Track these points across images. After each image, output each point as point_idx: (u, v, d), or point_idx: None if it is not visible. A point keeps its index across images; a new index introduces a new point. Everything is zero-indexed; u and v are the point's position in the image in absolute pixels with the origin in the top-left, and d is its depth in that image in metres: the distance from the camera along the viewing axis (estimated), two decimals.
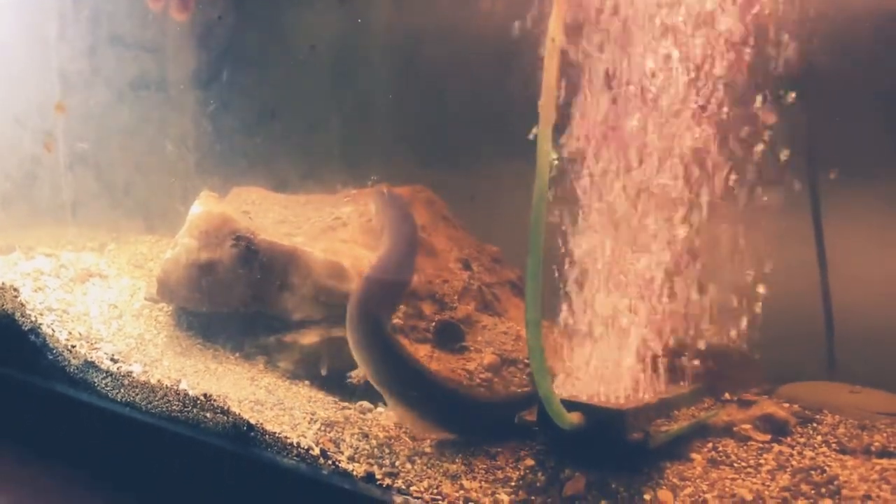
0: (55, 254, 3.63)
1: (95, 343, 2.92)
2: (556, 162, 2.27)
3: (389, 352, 2.43)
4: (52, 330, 2.94)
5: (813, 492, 2.01)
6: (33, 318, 2.99)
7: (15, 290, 3.18)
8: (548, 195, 2.13)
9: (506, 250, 3.40)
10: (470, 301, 2.89)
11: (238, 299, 2.90)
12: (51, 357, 2.75)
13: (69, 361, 2.72)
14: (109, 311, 3.20)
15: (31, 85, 3.27)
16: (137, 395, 2.47)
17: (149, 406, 2.43)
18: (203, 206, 3.00)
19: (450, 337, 2.74)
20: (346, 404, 2.61)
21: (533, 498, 2.04)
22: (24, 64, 3.24)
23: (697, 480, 2.07)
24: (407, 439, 2.33)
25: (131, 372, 2.64)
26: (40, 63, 3.17)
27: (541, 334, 2.10)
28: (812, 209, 2.73)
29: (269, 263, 2.85)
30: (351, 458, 2.20)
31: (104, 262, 3.60)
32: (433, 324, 2.78)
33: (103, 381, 2.59)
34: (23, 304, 3.13)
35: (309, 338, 2.80)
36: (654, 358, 2.32)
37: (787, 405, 2.45)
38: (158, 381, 2.51)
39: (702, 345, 2.28)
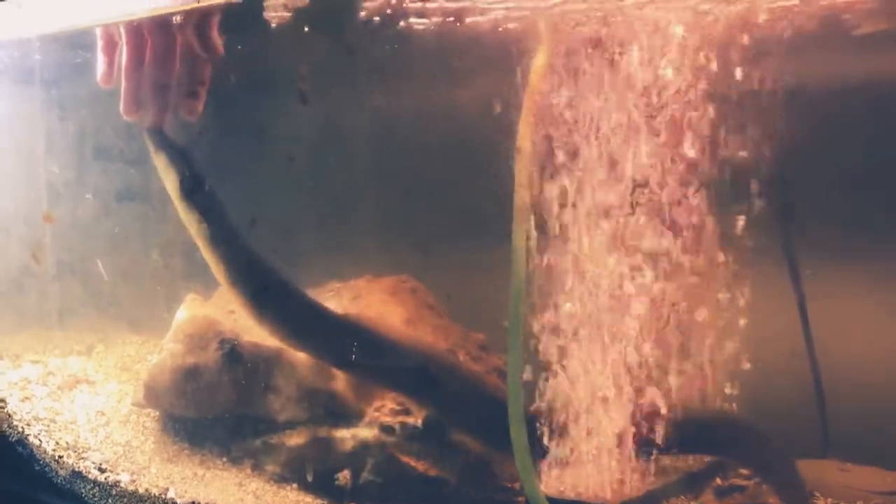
0: (42, 360, 3.63)
1: (83, 452, 2.90)
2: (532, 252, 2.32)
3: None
4: (40, 440, 2.92)
5: None
6: (20, 429, 2.98)
7: (2, 401, 3.18)
8: (525, 290, 2.16)
9: (492, 336, 3.42)
10: None
11: (224, 403, 2.90)
12: (38, 468, 2.73)
13: (56, 472, 2.70)
14: (97, 419, 3.18)
15: (18, 195, 3.33)
16: None
17: None
18: (188, 310, 3.02)
19: (438, 433, 2.73)
20: None
21: None
22: (13, 175, 3.31)
23: None
24: None
25: (119, 481, 2.62)
26: (28, 174, 3.24)
27: (525, 431, 2.10)
28: (790, 271, 2.76)
29: (254, 365, 2.86)
30: None
31: (91, 367, 3.60)
32: (421, 420, 2.77)
33: (91, 492, 2.58)
34: (10, 416, 3.13)
35: (295, 439, 2.79)
36: (643, 439, 2.32)
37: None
38: (146, 489, 2.49)
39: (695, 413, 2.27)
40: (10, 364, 3.64)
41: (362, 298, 3.33)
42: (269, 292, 2.64)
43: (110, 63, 2.41)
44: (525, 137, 2.25)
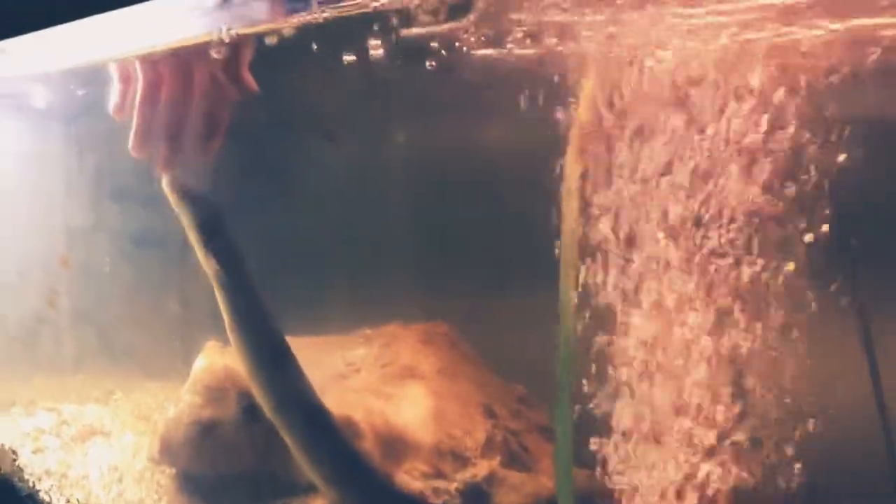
0: (57, 408, 3.46)
1: None
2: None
3: None
4: (50, 496, 2.78)
5: None
6: (31, 483, 2.86)
7: (14, 452, 3.05)
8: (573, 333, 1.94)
9: (533, 389, 3.18)
10: (494, 454, 2.65)
11: (242, 462, 2.69)
12: None
13: None
14: (110, 475, 3.00)
15: (34, 239, 3.20)
16: None
17: None
18: (207, 360, 2.83)
19: (474, 499, 2.48)
20: None
21: None
22: (28, 218, 3.18)
23: None
24: None
25: None
26: (44, 217, 3.11)
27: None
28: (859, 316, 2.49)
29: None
30: None
31: (108, 416, 3.42)
32: (455, 486, 2.53)
33: None
34: (21, 469, 3.01)
35: (318, 502, 2.56)
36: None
37: None
38: None
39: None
40: (24, 411, 3.48)
41: (393, 346, 3.12)
42: (266, 356, 2.48)
43: (124, 94, 2.25)
44: (572, 178, 2.04)
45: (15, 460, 3.02)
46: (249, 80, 2.31)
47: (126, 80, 2.28)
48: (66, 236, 3.11)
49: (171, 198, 2.38)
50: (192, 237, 2.42)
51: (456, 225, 3.27)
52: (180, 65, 2.27)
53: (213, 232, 2.39)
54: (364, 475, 2.50)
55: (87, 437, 3.25)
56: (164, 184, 2.35)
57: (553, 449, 2.09)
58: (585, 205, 2.06)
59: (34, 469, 3.06)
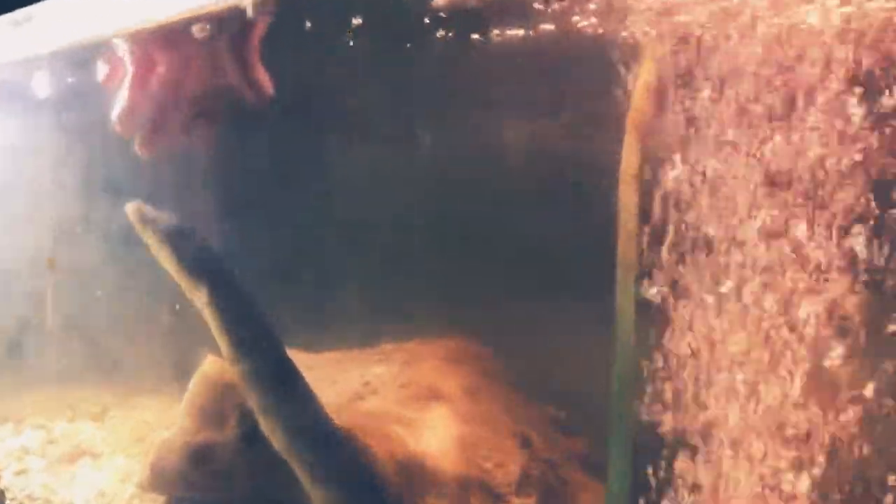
0: (47, 425, 3.16)
1: None
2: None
3: None
4: None
5: None
6: None
7: None
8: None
9: (572, 411, 2.81)
10: (531, 493, 2.29)
11: (240, 488, 2.37)
12: None
13: None
14: (96, 501, 2.70)
15: (25, 237, 2.91)
16: None
17: None
18: (203, 378, 2.51)
19: None
20: None
21: None
22: (18, 215, 2.90)
23: None
24: None
25: None
26: (33, 214, 2.82)
27: None
28: None
29: None
30: None
31: (100, 437, 3.11)
32: None
33: None
34: (2, 492, 2.76)
35: None
36: None
37: None
38: None
39: None
40: (13, 429, 3.19)
41: (414, 364, 2.79)
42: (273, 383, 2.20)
43: (117, 65, 1.97)
44: (631, 165, 1.70)
45: None
46: (257, 66, 2.01)
47: (122, 53, 2.02)
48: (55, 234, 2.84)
49: (143, 232, 2.21)
50: (173, 270, 2.21)
51: (485, 226, 2.94)
52: (179, 43, 1.98)
53: (198, 258, 2.18)
54: None
55: (74, 459, 2.95)
56: (134, 217, 2.19)
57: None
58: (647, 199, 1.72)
59: (16, 493, 2.78)
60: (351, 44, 2.58)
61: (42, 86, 2.86)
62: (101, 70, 2.02)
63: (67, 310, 3.01)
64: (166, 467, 2.46)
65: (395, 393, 2.59)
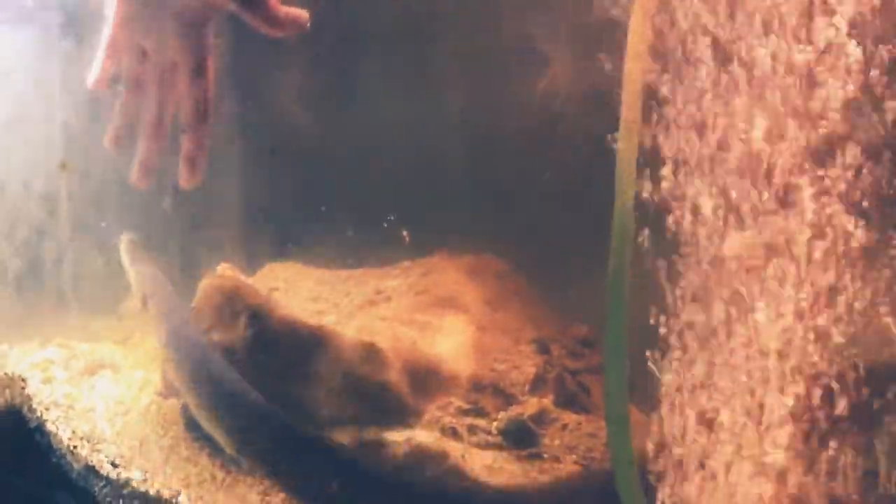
0: (68, 345, 3.19)
1: (97, 444, 2.48)
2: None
3: None
4: (57, 427, 2.57)
5: None
6: (39, 413, 2.66)
7: (23, 380, 2.87)
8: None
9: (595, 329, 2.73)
10: (546, 392, 2.22)
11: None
12: (54, 460, 2.38)
13: (71, 466, 2.32)
14: (115, 408, 2.72)
15: (37, 144, 2.90)
16: None
17: None
18: (216, 278, 2.50)
19: (518, 440, 2.06)
20: None
21: None
22: (34, 121, 2.88)
23: None
24: None
25: (130, 480, 2.26)
26: (46, 117, 2.80)
27: (629, 437, 1.46)
28: None
29: (290, 348, 2.27)
30: None
31: (121, 354, 3.14)
32: (496, 422, 2.11)
33: (103, 490, 2.25)
34: (29, 398, 2.82)
35: (336, 440, 2.18)
36: None
37: None
38: (157, 491, 2.19)
39: None
40: (39, 344, 3.24)
41: (432, 275, 2.73)
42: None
43: (108, 65, 1.60)
44: (632, 108, 1.62)
45: (24, 388, 2.82)
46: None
47: (113, 48, 1.60)
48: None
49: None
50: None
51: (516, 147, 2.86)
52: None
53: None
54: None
55: (94, 371, 2.98)
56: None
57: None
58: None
59: (42, 399, 2.83)
60: None
61: None
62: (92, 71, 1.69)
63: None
64: None
65: (410, 300, 2.54)
